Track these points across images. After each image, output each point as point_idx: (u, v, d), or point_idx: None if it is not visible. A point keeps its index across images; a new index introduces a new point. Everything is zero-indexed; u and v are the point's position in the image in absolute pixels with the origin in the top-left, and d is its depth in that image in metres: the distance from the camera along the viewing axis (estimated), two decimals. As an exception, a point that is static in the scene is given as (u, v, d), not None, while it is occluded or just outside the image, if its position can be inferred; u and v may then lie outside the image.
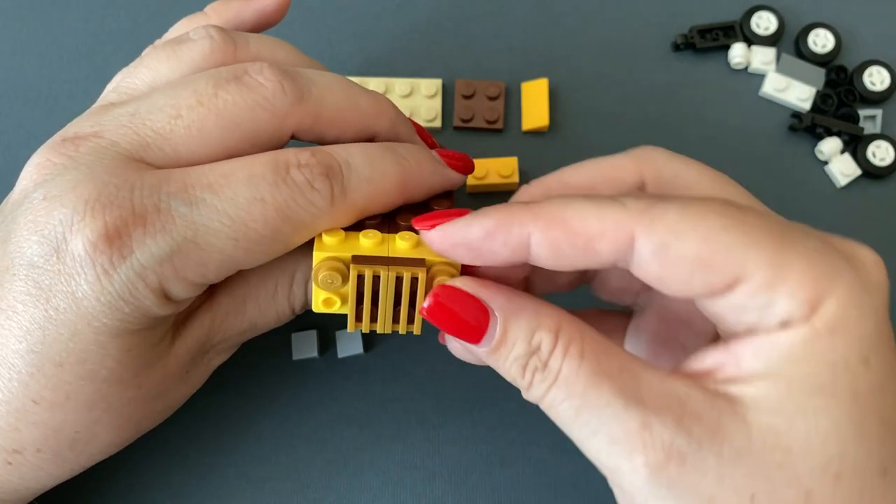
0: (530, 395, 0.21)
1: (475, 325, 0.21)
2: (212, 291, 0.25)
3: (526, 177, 0.34)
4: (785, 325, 0.19)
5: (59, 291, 0.21)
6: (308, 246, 0.23)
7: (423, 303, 0.21)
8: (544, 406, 0.21)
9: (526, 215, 0.20)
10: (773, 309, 0.19)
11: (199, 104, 0.23)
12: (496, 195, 0.34)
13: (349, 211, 0.23)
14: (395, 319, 0.23)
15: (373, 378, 0.31)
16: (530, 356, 0.21)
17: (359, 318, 0.23)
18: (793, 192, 0.35)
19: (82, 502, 0.29)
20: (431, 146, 0.28)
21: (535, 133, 0.35)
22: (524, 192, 0.24)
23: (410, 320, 0.23)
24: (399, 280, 0.22)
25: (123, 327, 0.22)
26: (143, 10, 0.37)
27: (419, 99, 0.35)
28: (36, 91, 0.35)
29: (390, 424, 0.31)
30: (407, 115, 0.34)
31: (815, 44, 0.36)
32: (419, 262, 0.22)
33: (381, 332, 0.23)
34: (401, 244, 0.23)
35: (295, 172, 0.22)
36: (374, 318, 0.23)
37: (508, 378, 0.21)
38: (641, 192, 0.22)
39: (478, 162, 0.33)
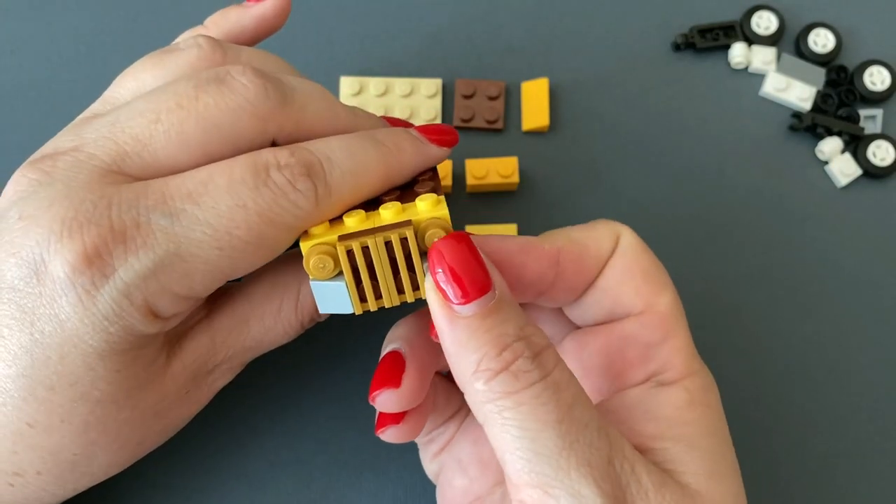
0: (493, 386, 0.19)
1: (480, 278, 0.20)
2: (210, 310, 0.25)
3: (526, 177, 0.34)
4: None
5: (42, 315, 0.21)
6: None
7: (431, 249, 0.20)
8: (504, 403, 0.19)
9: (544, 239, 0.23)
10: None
11: (179, 107, 0.22)
12: (496, 195, 0.34)
13: (335, 207, 0.23)
14: (400, 290, 0.22)
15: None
16: (519, 339, 0.20)
17: (363, 298, 0.22)
18: (793, 191, 0.35)
19: (82, 502, 0.29)
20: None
21: (536, 133, 0.35)
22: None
23: (415, 287, 0.22)
24: (390, 246, 0.22)
25: (111, 348, 0.21)
26: (143, 10, 0.37)
27: (419, 99, 0.35)
28: (36, 91, 0.35)
29: (390, 424, 0.31)
30: (407, 115, 0.34)
31: (816, 43, 0.36)
32: (406, 224, 0.22)
33: (390, 306, 0.22)
34: (385, 214, 0.22)
35: (275, 174, 0.22)
36: (378, 296, 0.22)
37: (473, 358, 0.20)
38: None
39: (478, 162, 0.33)
